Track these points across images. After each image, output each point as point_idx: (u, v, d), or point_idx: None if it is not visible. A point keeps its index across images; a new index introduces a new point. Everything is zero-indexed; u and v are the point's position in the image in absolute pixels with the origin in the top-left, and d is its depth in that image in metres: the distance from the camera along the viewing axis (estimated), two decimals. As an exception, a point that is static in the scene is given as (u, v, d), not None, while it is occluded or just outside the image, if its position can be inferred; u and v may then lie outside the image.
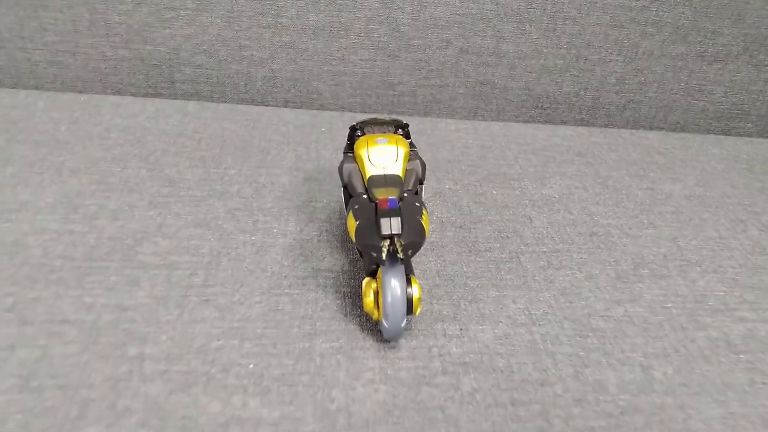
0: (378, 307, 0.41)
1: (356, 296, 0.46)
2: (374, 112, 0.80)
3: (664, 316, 0.48)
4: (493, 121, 0.81)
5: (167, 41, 0.74)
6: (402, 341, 0.42)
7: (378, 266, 0.42)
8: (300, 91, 0.78)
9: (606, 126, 0.84)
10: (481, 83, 0.79)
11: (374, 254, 0.38)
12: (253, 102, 0.78)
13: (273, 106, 0.78)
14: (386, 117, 0.45)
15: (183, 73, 0.76)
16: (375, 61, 0.77)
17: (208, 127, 0.69)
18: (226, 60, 0.75)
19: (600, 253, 0.54)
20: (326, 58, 0.76)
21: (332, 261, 0.49)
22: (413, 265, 0.49)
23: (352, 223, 0.40)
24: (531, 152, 0.71)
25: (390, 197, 0.40)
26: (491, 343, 0.43)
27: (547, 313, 0.47)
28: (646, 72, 0.81)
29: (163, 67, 0.75)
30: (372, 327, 0.43)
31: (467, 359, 0.42)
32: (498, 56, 0.77)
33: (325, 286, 0.47)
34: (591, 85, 0.80)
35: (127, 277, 0.45)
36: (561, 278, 0.51)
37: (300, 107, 0.79)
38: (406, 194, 0.42)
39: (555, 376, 0.41)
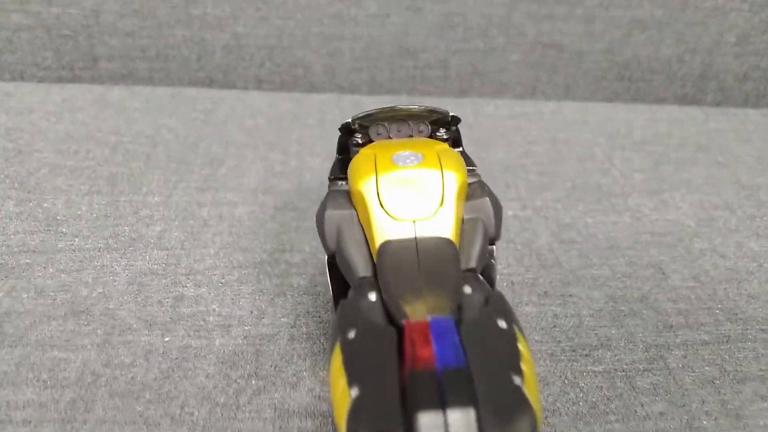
0: None
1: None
2: (387, 94, 0.55)
3: None
4: (560, 100, 0.56)
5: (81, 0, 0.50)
6: None
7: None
8: (278, 66, 0.53)
9: (718, 104, 0.58)
10: (544, 45, 0.54)
11: None
12: (211, 84, 0.54)
13: (239, 88, 0.54)
14: (411, 106, 0.24)
15: (107, 45, 0.52)
16: (387, 16, 0.52)
17: (134, 123, 0.45)
18: (168, 23, 0.51)
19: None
20: (315, 15, 0.52)
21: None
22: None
23: (338, 387, 0.16)
24: (630, 148, 0.47)
25: (432, 317, 0.16)
26: None
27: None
28: (781, 22, 0.55)
29: (79, 37, 0.51)
30: None
31: None
32: (568, 4, 0.52)
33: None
34: (701, 45, 0.55)
35: None
36: None
37: (278, 89, 0.55)
38: (468, 288, 0.18)
39: None
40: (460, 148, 0.25)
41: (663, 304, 0.31)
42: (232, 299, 0.30)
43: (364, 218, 0.20)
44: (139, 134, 0.44)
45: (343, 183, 0.23)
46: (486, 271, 0.22)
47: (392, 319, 0.17)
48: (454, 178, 0.20)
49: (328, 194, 0.22)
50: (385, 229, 0.19)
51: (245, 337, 0.28)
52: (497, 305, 0.17)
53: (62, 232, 0.33)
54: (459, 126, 0.25)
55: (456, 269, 0.18)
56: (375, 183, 0.20)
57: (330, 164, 0.41)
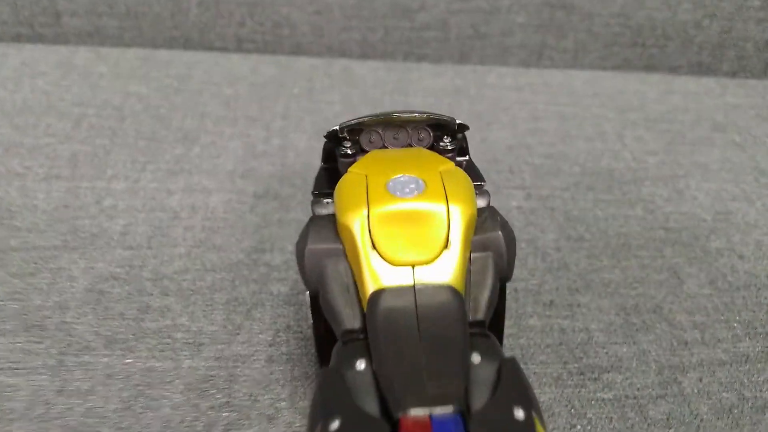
0: None
1: None
2: (380, 59, 0.51)
3: None
4: (568, 67, 0.52)
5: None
6: None
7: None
8: (260, 24, 0.49)
9: (735, 74, 0.54)
10: (552, 6, 0.49)
11: None
12: (186, 44, 0.49)
13: (218, 49, 0.49)
14: (411, 112, 0.20)
15: (72, 0, 0.47)
16: (381, -29, 0.47)
17: (100, 91, 0.41)
18: (137, -26, 0.46)
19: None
20: (301, -31, 0.46)
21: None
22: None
23: None
24: (643, 125, 0.43)
25: (435, 415, 0.13)
26: None
27: None
28: (811, -17, 0.51)
29: (38, -12, 0.46)
30: None
31: None
32: (583, -40, 0.47)
33: None
34: (722, 9, 0.50)
35: None
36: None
37: (260, 51, 0.50)
38: (477, 356, 0.15)
39: None
40: (467, 157, 0.22)
41: (678, 315, 0.29)
42: (204, 311, 0.27)
43: (352, 258, 0.17)
44: (106, 104, 0.40)
45: (329, 201, 0.19)
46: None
47: (384, 397, 0.14)
48: (460, 213, 0.17)
49: (310, 221, 0.19)
50: (378, 275, 0.16)
51: (217, 359, 0.25)
52: (512, 385, 0.14)
53: (15, 227, 0.30)
54: (464, 116, 0.21)
55: (463, 333, 0.15)
56: (367, 218, 0.17)
57: (318, 143, 0.38)
